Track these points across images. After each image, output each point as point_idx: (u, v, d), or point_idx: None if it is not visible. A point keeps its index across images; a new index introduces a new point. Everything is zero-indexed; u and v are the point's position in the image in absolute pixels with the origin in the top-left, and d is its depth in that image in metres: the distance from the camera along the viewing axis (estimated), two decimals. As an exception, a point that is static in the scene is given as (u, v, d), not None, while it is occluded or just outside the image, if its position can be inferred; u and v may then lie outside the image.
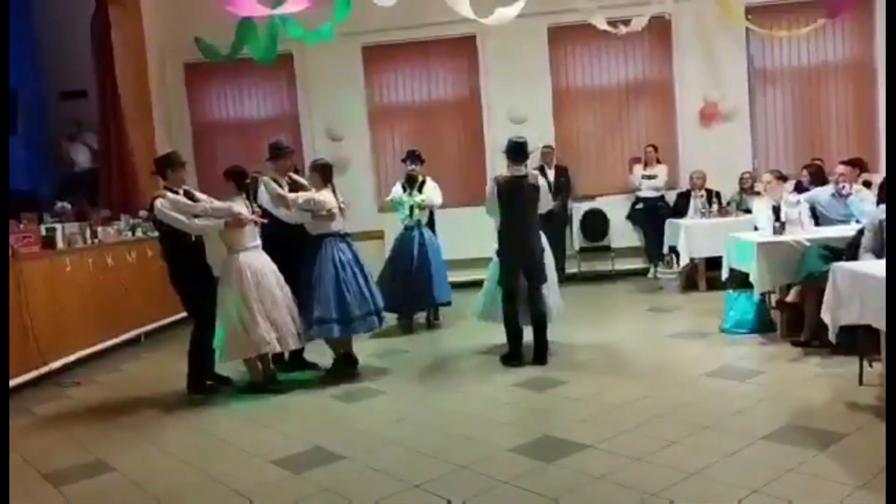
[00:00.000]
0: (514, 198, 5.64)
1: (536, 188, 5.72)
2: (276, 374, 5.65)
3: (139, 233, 8.05)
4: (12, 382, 5.75)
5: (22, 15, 9.35)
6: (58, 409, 5.51)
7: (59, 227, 6.75)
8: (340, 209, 5.62)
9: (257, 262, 5.39)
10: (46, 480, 4.03)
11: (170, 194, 5.35)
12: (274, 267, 5.48)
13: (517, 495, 3.42)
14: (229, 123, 10.43)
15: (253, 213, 5.47)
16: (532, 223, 5.73)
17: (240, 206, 5.38)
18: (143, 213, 8.48)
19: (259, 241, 5.50)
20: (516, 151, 5.70)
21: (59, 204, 7.79)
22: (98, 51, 9.04)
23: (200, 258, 5.52)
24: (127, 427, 4.93)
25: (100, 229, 7.44)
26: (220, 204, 5.44)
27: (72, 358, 6.51)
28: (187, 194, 5.49)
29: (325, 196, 5.52)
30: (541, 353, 5.67)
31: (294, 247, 5.60)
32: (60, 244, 6.63)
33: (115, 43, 8.98)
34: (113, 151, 9.14)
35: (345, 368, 5.67)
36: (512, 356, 5.69)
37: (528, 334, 5.76)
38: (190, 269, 5.42)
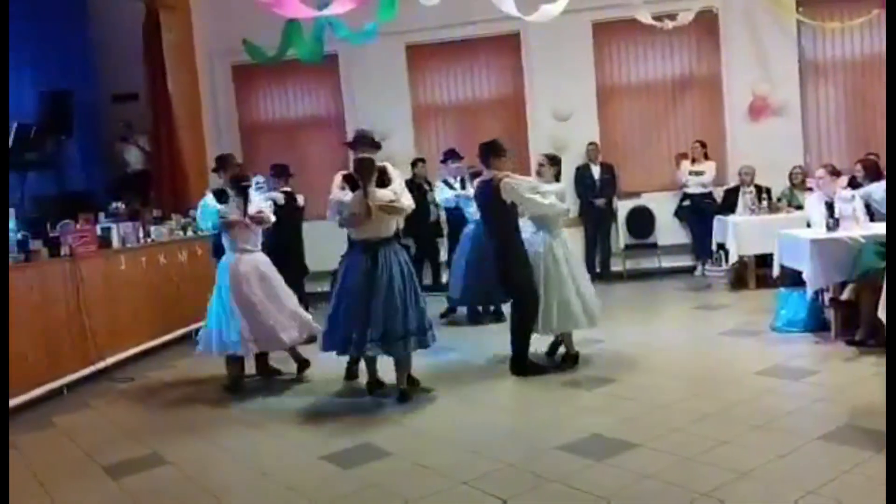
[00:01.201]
0: (478, 203, 5.66)
1: (492, 195, 5.32)
2: (239, 382, 5.72)
3: (190, 232, 8.22)
4: (71, 378, 5.94)
5: (76, 21, 9.63)
6: (114, 404, 5.66)
7: (114, 226, 6.92)
8: (387, 208, 4.91)
9: (248, 265, 5.58)
10: (106, 473, 4.15)
11: (209, 194, 5.78)
12: (265, 270, 5.65)
13: (566, 493, 3.41)
14: (276, 124, 10.58)
15: (245, 215, 5.61)
16: (493, 229, 5.51)
17: (233, 211, 5.60)
18: (192, 212, 8.67)
19: (253, 244, 5.69)
20: (480, 153, 5.51)
21: (114, 204, 7.99)
22: (149, 54, 9.28)
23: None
24: (180, 422, 5.05)
25: (152, 228, 7.62)
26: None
27: (126, 354, 6.68)
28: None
29: (346, 197, 4.93)
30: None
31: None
32: (115, 243, 6.81)
33: (165, 46, 9.21)
34: (164, 153, 9.37)
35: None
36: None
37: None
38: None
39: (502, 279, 5.51)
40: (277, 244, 6.17)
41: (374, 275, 4.83)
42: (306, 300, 6.72)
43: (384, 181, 5.02)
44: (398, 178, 5.15)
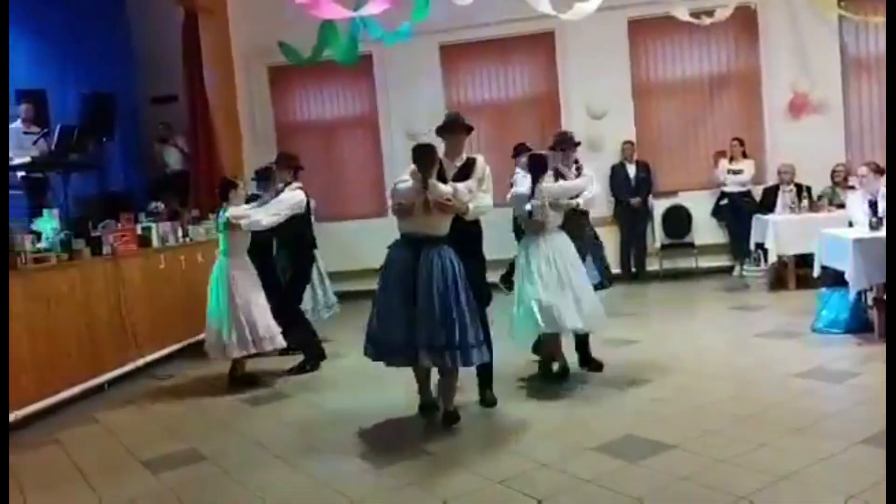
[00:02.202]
0: None
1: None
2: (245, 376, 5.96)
3: (227, 231, 8.33)
4: (112, 374, 6.08)
5: (117, 25, 9.83)
6: (154, 400, 5.78)
7: (153, 226, 7.06)
8: (434, 204, 4.32)
9: (226, 268, 5.77)
10: (146, 467, 4.24)
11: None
12: (232, 273, 5.75)
13: (600, 494, 3.38)
14: (311, 124, 10.67)
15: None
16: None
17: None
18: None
19: (235, 247, 5.81)
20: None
21: (153, 204, 8.14)
22: (188, 57, 9.43)
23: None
24: (218, 418, 5.14)
25: (190, 228, 7.75)
26: None
27: (166, 351, 6.81)
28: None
29: (400, 186, 4.46)
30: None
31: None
32: (155, 243, 6.95)
33: (203, 49, 9.36)
34: (202, 153, 9.52)
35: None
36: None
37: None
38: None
39: None
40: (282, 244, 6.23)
41: (414, 275, 4.32)
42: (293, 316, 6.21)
43: (467, 174, 4.55)
44: (480, 176, 4.58)
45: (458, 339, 4.25)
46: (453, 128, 4.69)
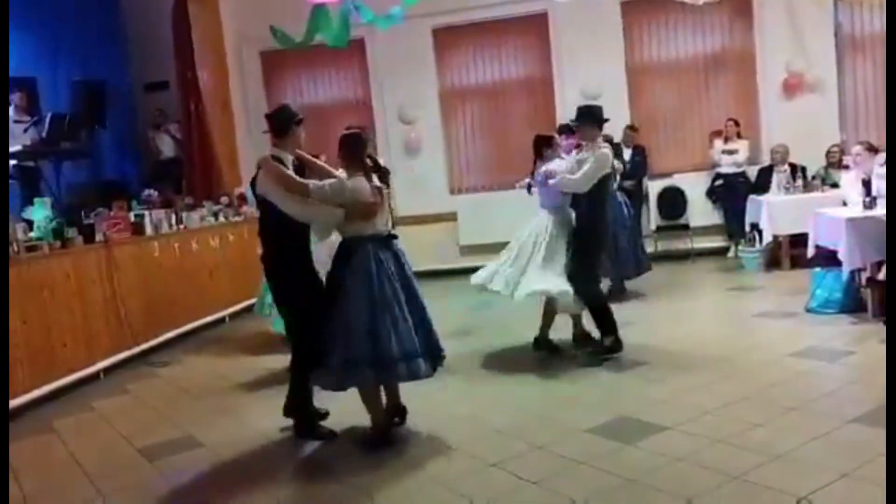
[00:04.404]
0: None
1: None
2: None
3: (221, 218, 8.32)
4: (108, 362, 6.08)
5: (107, 12, 9.75)
6: (150, 387, 5.77)
7: (147, 213, 7.04)
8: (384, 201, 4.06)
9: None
10: (141, 455, 4.24)
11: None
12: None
13: (595, 475, 3.40)
14: (304, 109, 10.45)
15: None
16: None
17: None
18: (224, 199, 8.77)
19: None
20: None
21: (146, 191, 8.11)
22: (179, 43, 9.35)
23: None
24: (214, 405, 5.13)
25: (184, 215, 7.72)
26: None
27: (161, 339, 6.80)
28: None
29: (357, 183, 3.97)
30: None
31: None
32: (149, 230, 6.93)
33: (194, 35, 9.27)
34: (195, 140, 9.47)
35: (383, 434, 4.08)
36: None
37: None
38: None
39: None
40: None
41: (400, 276, 3.96)
42: None
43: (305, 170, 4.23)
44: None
45: (433, 340, 4.07)
46: (300, 120, 4.21)
